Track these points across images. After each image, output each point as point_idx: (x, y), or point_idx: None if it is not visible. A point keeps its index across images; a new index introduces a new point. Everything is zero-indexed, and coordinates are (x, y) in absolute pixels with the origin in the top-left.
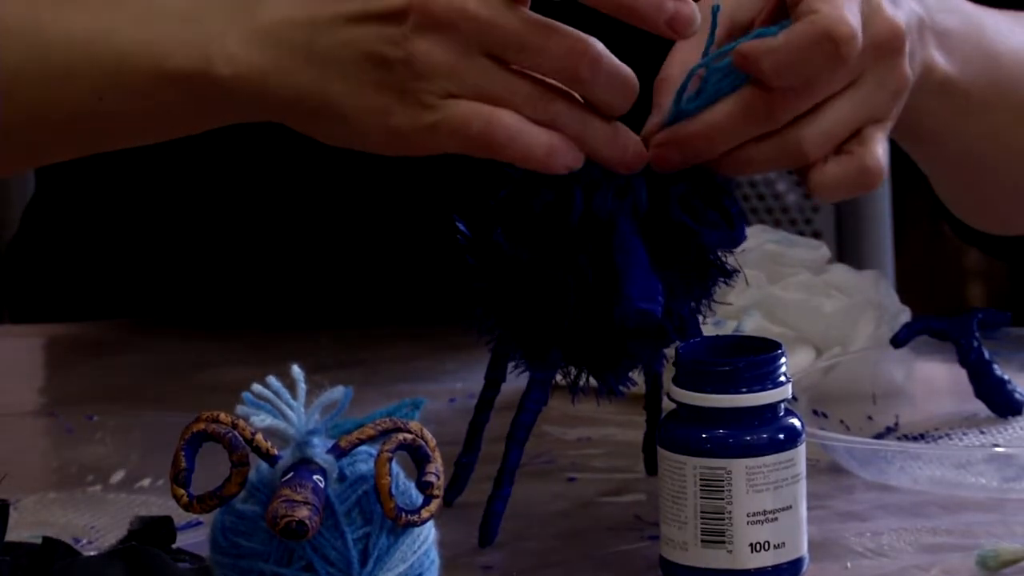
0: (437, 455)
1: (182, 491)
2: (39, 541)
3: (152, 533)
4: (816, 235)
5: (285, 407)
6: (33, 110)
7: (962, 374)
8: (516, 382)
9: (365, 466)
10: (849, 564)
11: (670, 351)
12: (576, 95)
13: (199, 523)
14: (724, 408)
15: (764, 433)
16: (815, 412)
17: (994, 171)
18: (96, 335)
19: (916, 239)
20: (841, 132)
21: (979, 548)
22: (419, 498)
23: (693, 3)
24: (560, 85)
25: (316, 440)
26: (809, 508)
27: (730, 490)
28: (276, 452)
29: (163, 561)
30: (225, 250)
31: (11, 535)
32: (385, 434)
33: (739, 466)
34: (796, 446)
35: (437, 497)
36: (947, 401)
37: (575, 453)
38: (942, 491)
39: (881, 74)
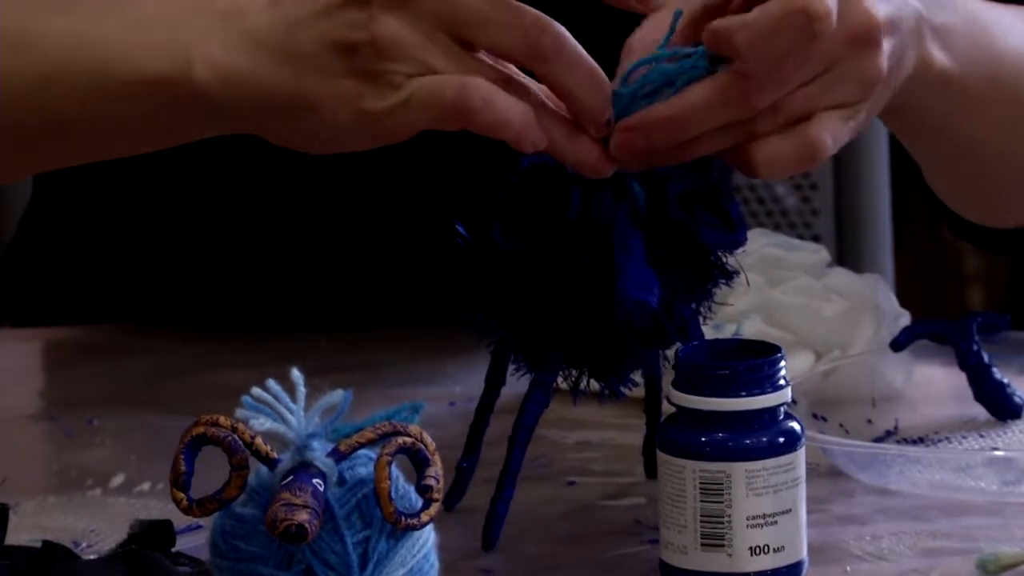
0: (437, 459)
1: (182, 495)
2: (39, 545)
3: (152, 537)
4: (816, 239)
5: (285, 410)
6: (14, 117)
7: (962, 378)
8: (516, 386)
9: (365, 470)
10: (849, 568)
11: (669, 353)
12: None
13: (199, 527)
14: (723, 412)
15: (764, 437)
16: (815, 416)
17: (992, 164)
18: (95, 338)
19: (916, 243)
20: (794, 111)
21: (979, 552)
22: (419, 502)
23: None
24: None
25: (316, 444)
26: (809, 512)
27: (730, 494)
28: (276, 456)
29: (163, 565)
30: (224, 253)
31: (11, 539)
32: (385, 438)
33: (739, 470)
34: (795, 450)
35: (437, 501)
36: (947, 405)
37: (574, 457)
38: (942, 495)
39: (852, 64)
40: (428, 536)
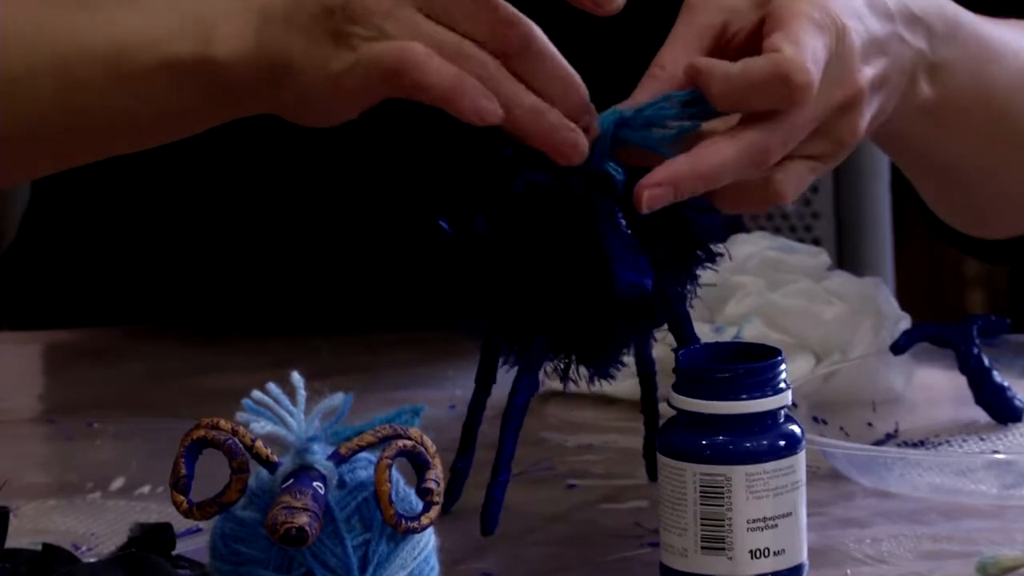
0: (437, 462)
1: (182, 498)
2: (39, 548)
3: (152, 540)
4: (816, 242)
5: (285, 413)
6: (36, 113)
7: (962, 381)
8: (509, 386)
9: (365, 473)
10: (849, 571)
11: (670, 357)
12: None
13: (199, 530)
14: (724, 415)
15: (764, 440)
16: (815, 419)
17: (973, 180)
18: (95, 342)
19: (916, 246)
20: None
21: (979, 555)
22: (419, 505)
23: None
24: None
25: (316, 447)
26: (809, 515)
27: (730, 497)
28: (276, 459)
29: (163, 568)
30: (224, 256)
31: (11, 542)
32: (385, 441)
33: (739, 473)
34: (796, 453)
35: (437, 504)
36: (947, 408)
37: (575, 460)
38: (942, 498)
39: (832, 124)
40: (428, 539)
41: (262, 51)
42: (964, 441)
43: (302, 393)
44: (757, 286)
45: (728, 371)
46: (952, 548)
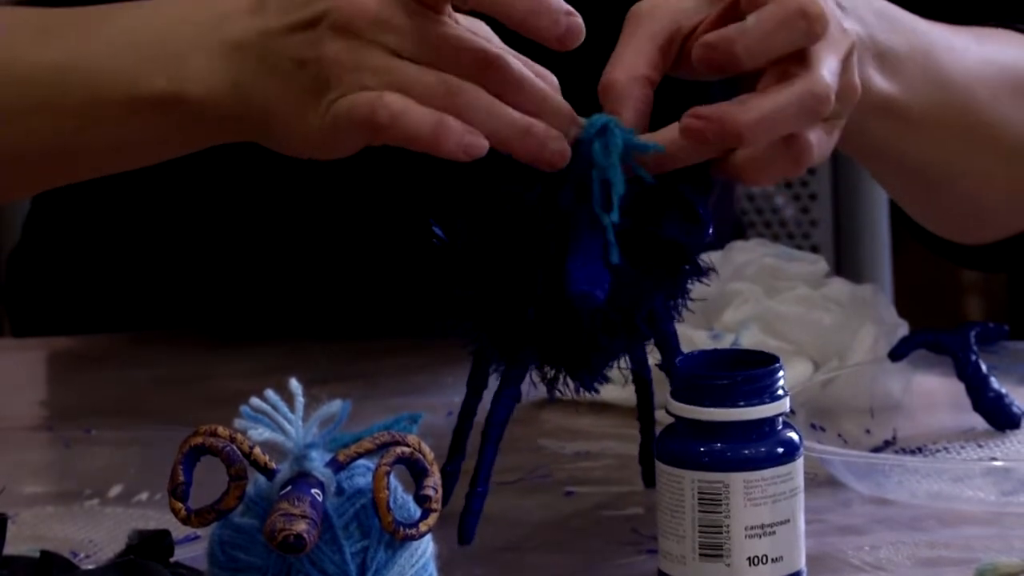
0: (435, 469)
1: (180, 505)
2: (37, 555)
3: (150, 547)
4: (814, 249)
5: (283, 420)
6: (11, 144)
7: (960, 388)
8: None
9: (363, 480)
10: None
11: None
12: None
13: (197, 537)
14: (722, 422)
15: (762, 447)
16: (813, 426)
17: (943, 184)
18: (93, 348)
19: (914, 253)
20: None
21: (977, 562)
22: (417, 512)
23: (579, 18)
24: None
25: (314, 453)
26: (807, 522)
27: (728, 504)
28: (274, 466)
29: (161, 575)
30: (223, 263)
31: (9, 549)
32: (383, 448)
33: (737, 480)
34: (794, 460)
35: (435, 511)
36: (945, 415)
37: (572, 467)
38: (940, 505)
39: (841, 87)
40: (426, 546)
41: (238, 92)
42: (962, 448)
43: (300, 400)
44: (755, 293)
45: (726, 378)
46: (950, 555)
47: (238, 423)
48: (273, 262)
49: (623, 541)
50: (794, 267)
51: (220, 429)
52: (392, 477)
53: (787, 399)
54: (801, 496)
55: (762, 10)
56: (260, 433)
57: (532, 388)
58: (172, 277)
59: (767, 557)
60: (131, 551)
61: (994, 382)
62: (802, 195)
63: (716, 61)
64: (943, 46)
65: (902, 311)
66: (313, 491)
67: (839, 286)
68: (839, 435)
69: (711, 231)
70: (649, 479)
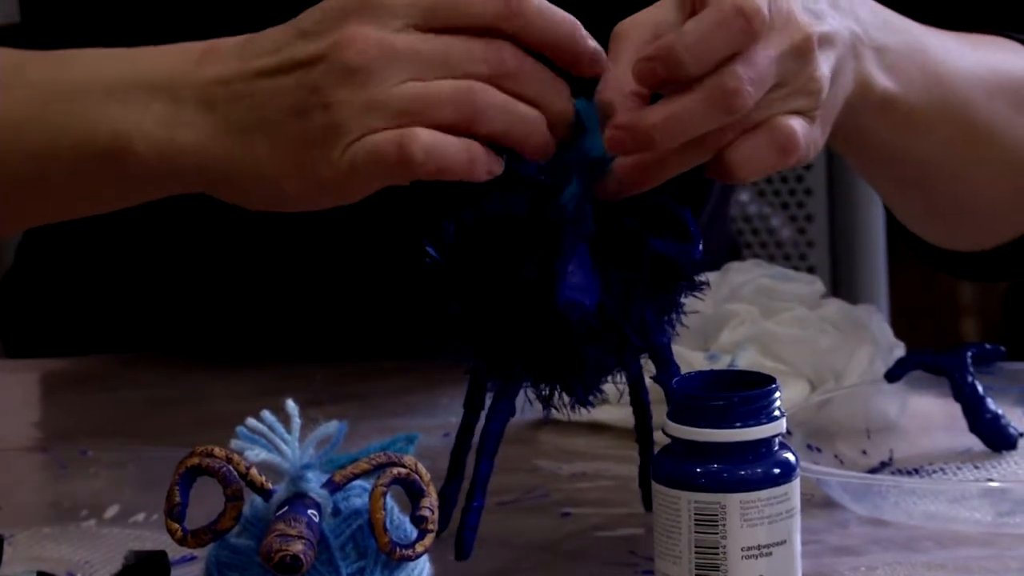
0: (431, 489)
1: (176, 525)
2: None
3: (146, 568)
4: (810, 270)
5: (279, 441)
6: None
7: (956, 409)
8: None
9: (360, 500)
10: None
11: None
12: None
13: (193, 558)
14: (718, 443)
15: (758, 468)
16: (809, 447)
17: (943, 186)
18: (90, 370)
19: (910, 274)
20: (756, 118)
21: None
22: (413, 532)
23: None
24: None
25: (310, 474)
26: (803, 542)
27: (724, 524)
28: (270, 486)
29: None
30: (219, 284)
31: (5, 570)
32: (379, 468)
33: (733, 500)
34: (790, 480)
35: (431, 531)
36: (941, 436)
37: (570, 488)
38: (936, 526)
39: (797, 76)
40: (423, 567)
41: (196, 152)
42: (958, 469)
43: (297, 421)
44: (751, 314)
45: (723, 399)
46: None
47: (235, 444)
48: (269, 283)
49: (620, 562)
50: (790, 288)
51: (217, 450)
52: (388, 498)
53: (783, 420)
54: (798, 517)
55: (700, 14)
56: (257, 454)
57: (529, 408)
58: (166, 299)
59: None
60: (127, 572)
61: (990, 403)
62: (798, 216)
63: (658, 73)
64: (938, 47)
65: (898, 332)
66: (310, 512)
67: (835, 307)
68: (835, 456)
69: (700, 246)
70: (649, 503)
